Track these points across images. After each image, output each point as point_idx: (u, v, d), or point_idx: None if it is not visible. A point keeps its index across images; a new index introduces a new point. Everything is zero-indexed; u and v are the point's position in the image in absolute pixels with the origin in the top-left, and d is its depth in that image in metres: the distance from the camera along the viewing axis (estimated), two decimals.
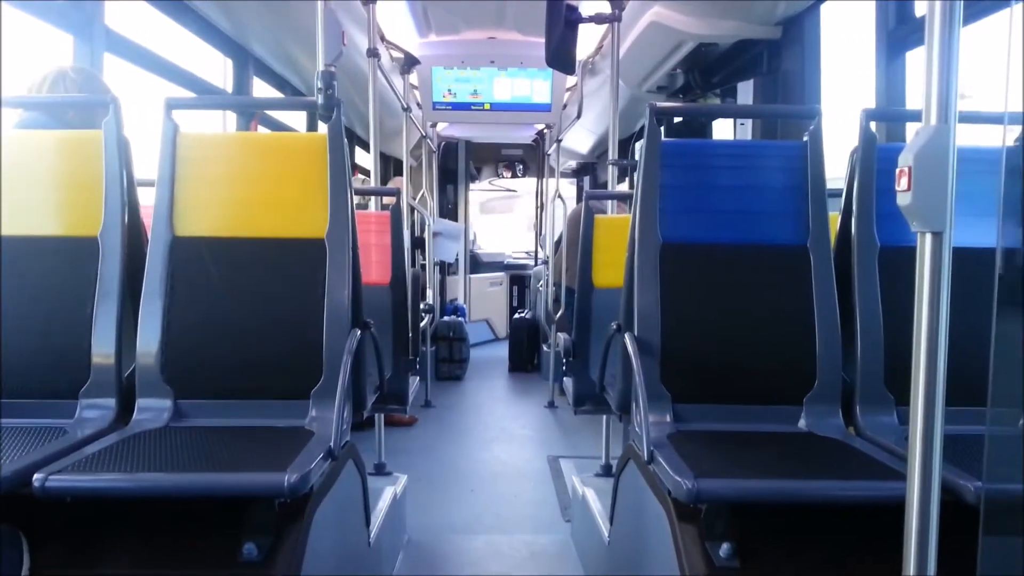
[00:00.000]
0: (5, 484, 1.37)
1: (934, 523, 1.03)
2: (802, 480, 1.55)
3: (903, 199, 1.04)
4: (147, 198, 2.04)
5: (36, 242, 1.92)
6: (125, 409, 1.87)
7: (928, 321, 1.01)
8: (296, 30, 4.06)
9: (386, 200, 4.01)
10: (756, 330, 2.02)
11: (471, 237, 9.86)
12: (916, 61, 2.77)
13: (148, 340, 1.90)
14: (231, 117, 4.11)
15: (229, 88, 4.19)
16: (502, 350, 8.05)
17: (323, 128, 2.06)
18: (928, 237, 1.02)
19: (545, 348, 6.81)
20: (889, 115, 2.76)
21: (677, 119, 4.97)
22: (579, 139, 7.94)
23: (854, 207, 2.04)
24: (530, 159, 9.64)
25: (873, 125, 2.09)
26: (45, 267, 1.92)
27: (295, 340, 1.93)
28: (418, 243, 5.93)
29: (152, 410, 1.87)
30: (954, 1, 1.00)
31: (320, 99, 1.99)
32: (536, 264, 9.16)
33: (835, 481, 1.55)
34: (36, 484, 1.38)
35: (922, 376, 1.02)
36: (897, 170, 1.04)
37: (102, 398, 1.85)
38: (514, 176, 10.00)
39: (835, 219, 2.12)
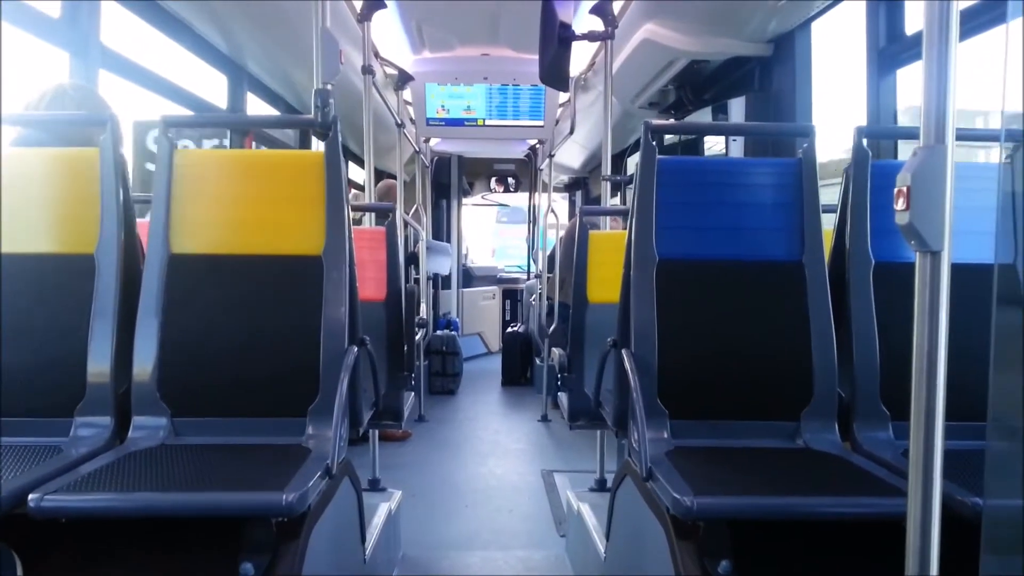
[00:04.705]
0: (0, 504, 1.36)
1: (935, 540, 1.03)
2: (801, 496, 1.55)
3: (901, 219, 1.04)
4: (144, 215, 2.04)
5: (32, 259, 1.91)
6: (121, 427, 1.86)
7: (928, 340, 1.02)
8: (291, 47, 4.07)
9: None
10: (752, 346, 2.03)
11: (463, 251, 9.86)
12: (906, 78, 2.81)
13: (144, 358, 1.90)
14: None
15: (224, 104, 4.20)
16: (495, 363, 8.04)
17: (317, 144, 2.07)
18: (927, 256, 1.03)
19: (538, 362, 6.81)
20: (882, 132, 2.78)
21: (668, 136, 5.01)
22: (571, 154, 7.97)
23: (848, 223, 2.06)
24: (522, 174, 9.66)
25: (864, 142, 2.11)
26: (41, 284, 1.91)
27: (292, 357, 1.93)
28: (412, 258, 5.95)
29: (148, 428, 1.86)
30: (950, 19, 1.00)
31: (318, 117, 2.00)
32: (528, 278, 9.17)
33: (834, 497, 1.56)
34: (31, 504, 1.37)
35: (923, 393, 1.03)
36: (895, 190, 1.05)
37: (98, 416, 1.84)
38: (506, 191, 10.02)
39: (828, 235, 2.14)
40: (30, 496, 1.38)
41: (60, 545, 1.56)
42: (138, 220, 2.05)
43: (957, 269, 1.04)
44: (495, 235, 12.19)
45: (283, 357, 1.94)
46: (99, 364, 1.86)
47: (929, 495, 1.02)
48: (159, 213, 1.99)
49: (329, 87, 2.03)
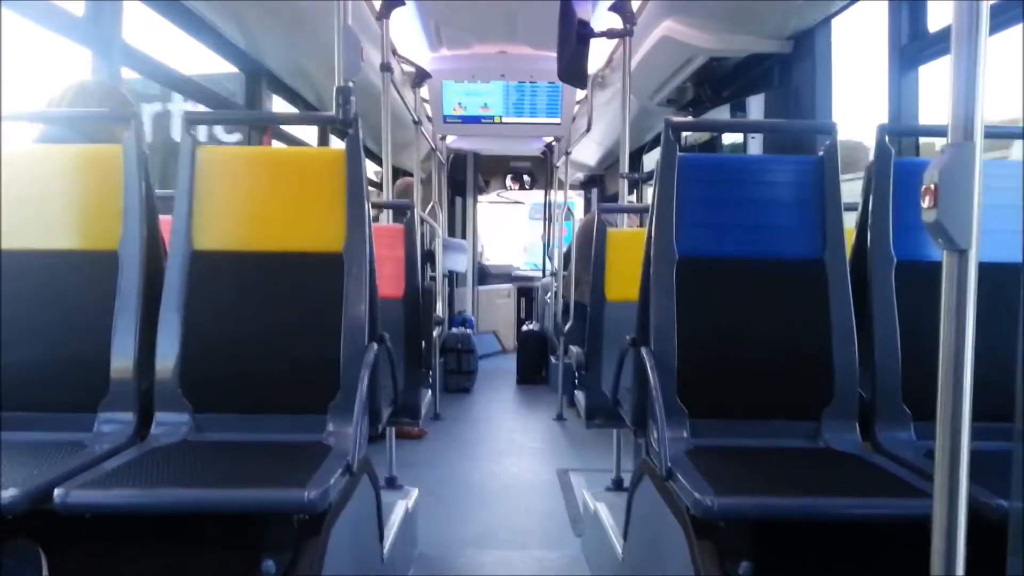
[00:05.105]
0: (26, 499, 1.37)
1: (961, 542, 1.02)
2: (823, 497, 1.54)
3: (928, 217, 1.03)
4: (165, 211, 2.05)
5: (56, 256, 1.93)
6: (143, 423, 1.87)
7: (955, 339, 1.01)
8: (311, 45, 4.09)
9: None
10: (773, 344, 2.01)
11: (479, 249, 9.87)
12: (928, 76, 2.78)
13: (166, 354, 1.91)
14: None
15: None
16: (509, 362, 8.04)
17: (336, 142, 2.07)
18: (954, 255, 1.02)
19: (553, 360, 6.81)
20: (905, 130, 2.75)
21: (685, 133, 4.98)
22: (588, 151, 7.95)
23: (870, 221, 2.04)
24: (538, 171, 9.66)
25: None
26: (64, 280, 1.92)
27: (312, 354, 1.93)
28: (428, 256, 5.98)
29: (170, 424, 1.87)
30: (979, 15, 0.99)
31: (339, 114, 2.00)
32: (544, 276, 9.16)
33: (856, 498, 1.54)
34: (57, 500, 1.39)
35: (949, 393, 1.01)
36: (922, 188, 1.04)
37: (121, 412, 1.85)
38: (522, 188, 10.03)
39: (850, 233, 2.12)
40: (56, 491, 1.39)
41: (83, 541, 1.58)
42: (160, 216, 2.06)
43: (983, 268, 1.03)
44: (527, 232, 12.13)
45: (304, 354, 1.94)
46: (122, 360, 1.87)
47: (955, 497, 1.01)
48: (182, 210, 1.99)
49: (351, 84, 2.03)
